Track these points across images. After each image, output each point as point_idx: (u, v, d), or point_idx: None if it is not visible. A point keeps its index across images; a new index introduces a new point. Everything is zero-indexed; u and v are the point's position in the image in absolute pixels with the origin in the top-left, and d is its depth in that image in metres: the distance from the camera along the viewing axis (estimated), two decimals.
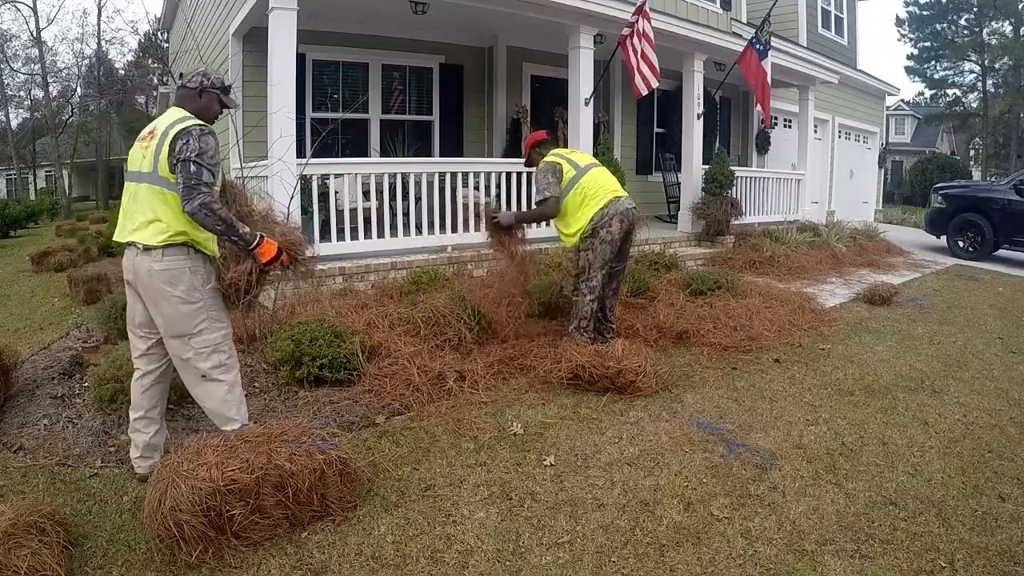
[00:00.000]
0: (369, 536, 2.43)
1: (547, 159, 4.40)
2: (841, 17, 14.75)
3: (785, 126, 13.35)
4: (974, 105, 33.68)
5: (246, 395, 3.48)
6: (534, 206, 4.57)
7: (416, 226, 6.20)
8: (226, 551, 2.27)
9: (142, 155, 2.66)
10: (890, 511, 2.69)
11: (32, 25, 23.24)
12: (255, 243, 2.65)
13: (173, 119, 2.64)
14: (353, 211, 5.79)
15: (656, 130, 10.97)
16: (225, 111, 2.97)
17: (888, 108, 19.69)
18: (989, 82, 31.84)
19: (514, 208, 6.71)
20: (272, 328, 4.18)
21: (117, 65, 28.46)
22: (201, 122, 2.67)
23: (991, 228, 9.73)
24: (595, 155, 7.31)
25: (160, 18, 15.35)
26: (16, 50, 25.14)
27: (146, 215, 2.61)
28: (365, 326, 4.17)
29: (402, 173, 6.09)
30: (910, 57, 34.82)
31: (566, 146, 7.81)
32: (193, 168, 2.52)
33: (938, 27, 33.00)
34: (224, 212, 2.57)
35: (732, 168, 8.49)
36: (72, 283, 6.18)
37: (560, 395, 3.79)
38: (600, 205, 4.22)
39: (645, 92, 7.16)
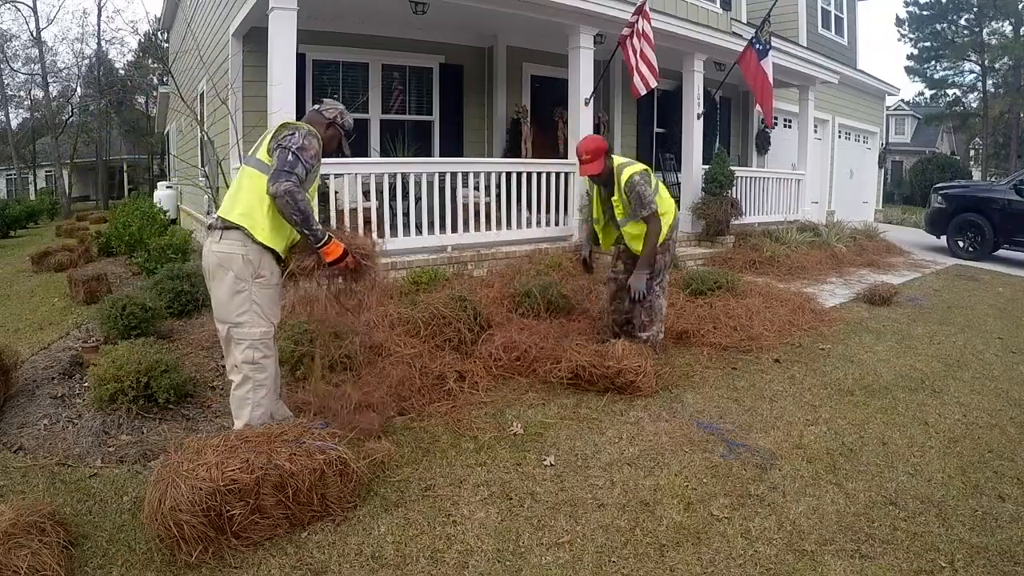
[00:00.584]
0: (369, 536, 2.43)
1: (637, 170, 4.14)
2: (841, 17, 14.75)
3: (785, 126, 13.35)
4: (974, 105, 33.69)
5: None
6: (633, 221, 4.22)
7: (416, 226, 6.20)
8: (226, 551, 2.27)
9: (256, 144, 2.84)
10: (890, 511, 2.69)
11: (32, 25, 23.28)
12: (323, 241, 2.73)
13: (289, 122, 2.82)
14: (353, 211, 5.78)
15: (656, 130, 10.97)
16: (339, 155, 3.20)
17: (888, 108, 19.69)
18: (989, 82, 31.86)
19: (517, 210, 6.71)
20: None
21: (117, 65, 28.50)
22: (312, 128, 2.82)
23: (991, 228, 9.73)
24: None
25: (160, 18, 15.36)
26: (16, 50, 25.18)
27: (234, 194, 2.76)
28: (365, 326, 4.16)
29: (402, 173, 6.09)
30: (910, 57, 34.84)
31: (566, 149, 7.81)
32: (290, 157, 2.66)
33: (938, 27, 33.02)
34: (304, 204, 2.65)
35: (732, 168, 8.49)
36: (72, 283, 6.18)
37: (560, 395, 3.79)
38: (673, 215, 4.36)
39: (644, 92, 7.16)
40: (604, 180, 4.27)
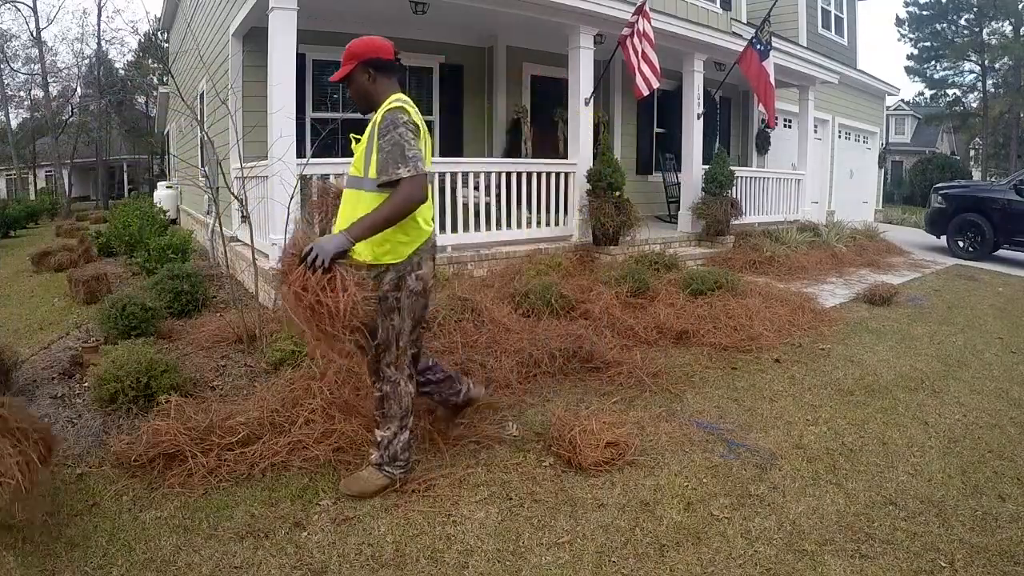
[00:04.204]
0: (369, 536, 2.43)
1: (404, 105, 2.52)
2: (841, 17, 14.75)
3: (785, 126, 13.35)
4: (974, 105, 33.71)
5: (247, 396, 3.49)
6: (372, 186, 2.52)
7: None
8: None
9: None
10: (890, 511, 2.69)
11: (32, 25, 23.27)
12: None
13: None
14: None
15: (656, 130, 10.97)
16: None
17: (888, 108, 19.70)
18: (989, 82, 31.87)
19: (517, 210, 6.70)
20: (272, 328, 4.18)
21: (117, 65, 28.50)
22: None
23: (991, 228, 9.73)
24: (595, 155, 7.34)
25: (160, 18, 15.37)
26: (16, 50, 25.19)
27: None
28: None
29: None
30: (910, 57, 34.89)
31: (566, 149, 7.78)
32: None
33: (938, 27, 33.03)
34: None
35: (732, 168, 8.49)
36: (72, 283, 6.18)
37: (561, 394, 3.79)
38: (429, 234, 2.70)
39: (646, 92, 7.16)
40: (363, 109, 2.74)
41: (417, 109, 2.62)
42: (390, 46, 2.71)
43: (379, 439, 2.72)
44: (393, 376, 2.67)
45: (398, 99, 2.56)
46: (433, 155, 8.31)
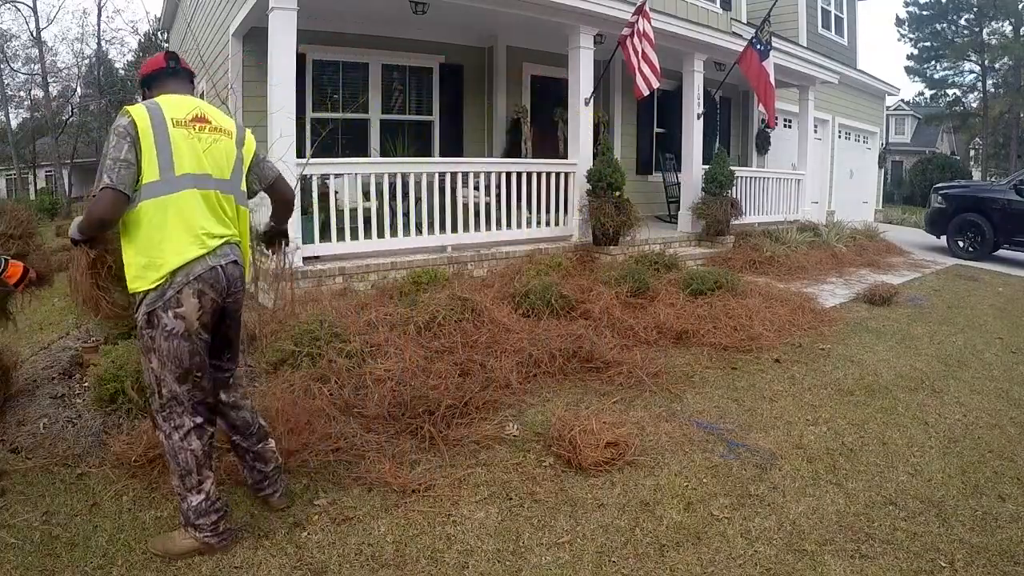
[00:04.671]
0: (369, 536, 2.43)
1: (138, 113, 2.18)
2: (841, 17, 14.75)
3: (785, 126, 13.35)
4: (974, 105, 33.70)
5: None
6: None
7: (416, 226, 6.20)
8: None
9: None
10: (890, 511, 2.69)
11: (32, 25, 23.26)
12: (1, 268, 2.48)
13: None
14: (353, 211, 5.79)
15: (656, 130, 10.97)
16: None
17: (888, 108, 19.70)
18: (989, 82, 31.87)
19: (517, 210, 6.70)
20: (272, 328, 4.18)
21: (117, 65, 28.51)
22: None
23: (991, 228, 9.73)
24: (595, 155, 7.34)
25: (160, 18, 15.37)
26: (16, 50, 25.18)
27: None
28: (365, 326, 4.17)
29: (402, 173, 6.09)
30: (910, 57, 34.87)
31: (566, 149, 7.78)
32: None
33: (938, 27, 33.03)
34: None
35: (732, 168, 8.49)
36: (72, 283, 6.17)
37: (561, 394, 3.79)
38: (181, 260, 2.19)
39: (647, 92, 7.16)
40: None
41: (177, 104, 2.25)
42: (160, 56, 2.45)
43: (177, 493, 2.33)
44: (163, 426, 2.24)
45: (139, 105, 2.23)
46: (433, 155, 8.39)
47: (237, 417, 2.50)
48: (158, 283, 2.15)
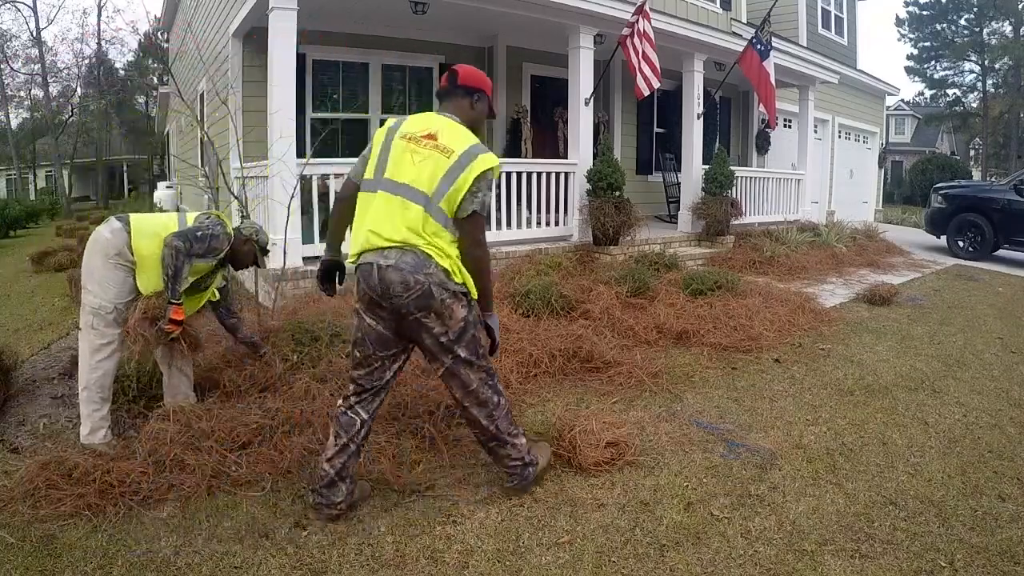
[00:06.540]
0: (369, 536, 2.43)
1: (489, 154, 2.55)
2: (841, 17, 14.76)
3: (785, 126, 13.36)
4: (974, 105, 33.73)
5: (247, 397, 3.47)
6: (465, 230, 2.50)
7: None
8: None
9: None
10: (890, 511, 2.69)
11: (32, 25, 23.32)
12: (176, 301, 3.01)
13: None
14: None
15: (656, 130, 10.97)
16: (257, 266, 3.59)
17: (888, 108, 19.71)
18: (989, 82, 31.90)
19: (517, 210, 6.68)
20: (272, 328, 4.17)
21: (117, 65, 28.54)
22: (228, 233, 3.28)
23: (991, 228, 9.73)
24: (595, 155, 7.34)
25: (160, 18, 15.37)
26: (16, 50, 25.22)
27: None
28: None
29: None
30: (910, 57, 34.91)
31: (566, 149, 7.77)
32: (199, 234, 3.10)
33: (938, 27, 33.06)
34: (180, 266, 2.98)
35: (732, 168, 8.49)
36: (72, 283, 6.18)
37: (561, 394, 3.79)
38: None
39: (647, 93, 7.17)
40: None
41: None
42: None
43: None
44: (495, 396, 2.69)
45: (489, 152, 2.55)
46: None
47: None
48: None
